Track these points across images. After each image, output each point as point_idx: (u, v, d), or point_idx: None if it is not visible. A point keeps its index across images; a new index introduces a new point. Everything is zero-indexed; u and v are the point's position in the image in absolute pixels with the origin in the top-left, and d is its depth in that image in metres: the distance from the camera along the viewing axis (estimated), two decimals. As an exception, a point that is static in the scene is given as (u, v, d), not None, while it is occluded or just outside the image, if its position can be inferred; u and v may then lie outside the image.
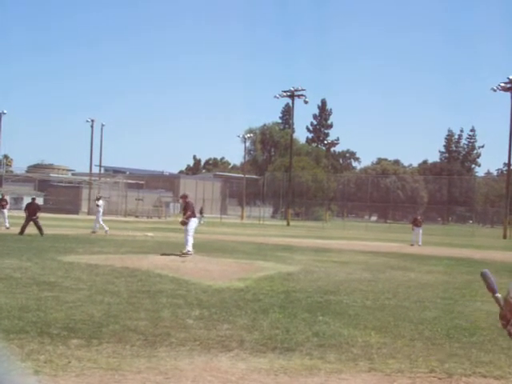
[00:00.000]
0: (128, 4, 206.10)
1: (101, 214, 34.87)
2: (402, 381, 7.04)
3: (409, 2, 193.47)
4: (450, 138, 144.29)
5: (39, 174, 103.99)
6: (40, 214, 30.04)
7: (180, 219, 20.62)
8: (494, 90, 63.04)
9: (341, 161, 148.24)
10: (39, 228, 28.72)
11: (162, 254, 20.00)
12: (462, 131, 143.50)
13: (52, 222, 34.86)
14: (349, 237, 45.88)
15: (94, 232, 33.20)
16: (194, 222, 20.60)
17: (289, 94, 78.12)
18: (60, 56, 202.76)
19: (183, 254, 19.56)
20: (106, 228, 33.49)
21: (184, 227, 20.68)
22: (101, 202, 35.78)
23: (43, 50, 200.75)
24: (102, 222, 33.90)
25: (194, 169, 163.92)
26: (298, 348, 8.27)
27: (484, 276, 3.29)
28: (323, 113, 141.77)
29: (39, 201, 35.64)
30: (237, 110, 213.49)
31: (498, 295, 3.23)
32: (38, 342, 7.96)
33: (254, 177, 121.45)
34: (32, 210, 29.45)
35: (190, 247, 19.87)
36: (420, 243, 36.23)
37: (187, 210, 20.65)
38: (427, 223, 55.71)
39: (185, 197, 21.55)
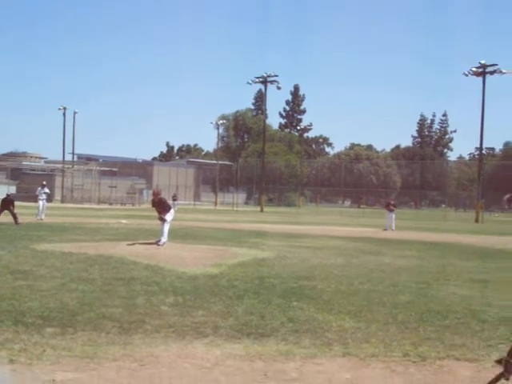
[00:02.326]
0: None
1: (45, 201, 35.06)
2: (377, 365, 7.09)
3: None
4: (422, 122, 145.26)
5: (11, 162, 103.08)
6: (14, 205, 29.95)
7: (158, 216, 20.43)
8: (466, 75, 63.30)
9: (314, 146, 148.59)
10: (14, 216, 28.60)
11: (135, 243, 19.92)
12: (434, 116, 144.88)
13: (25, 211, 34.54)
14: (322, 222, 46.03)
15: (41, 219, 33.37)
16: (171, 215, 20.52)
17: (261, 79, 77.88)
18: (33, 45, 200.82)
19: (158, 244, 19.46)
20: (40, 216, 33.84)
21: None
22: (46, 190, 35.73)
23: (15, 40, 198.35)
24: (41, 209, 34.17)
25: (168, 156, 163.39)
26: (272, 333, 8.30)
27: None
28: (296, 98, 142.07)
29: (12, 189, 35.39)
30: (210, 96, 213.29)
31: None
32: (12, 330, 7.91)
33: (228, 163, 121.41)
34: (5, 204, 29.67)
35: (165, 238, 19.77)
36: (393, 228, 36.44)
37: (162, 208, 20.47)
38: (400, 208, 56.07)
39: (157, 193, 21.31)
